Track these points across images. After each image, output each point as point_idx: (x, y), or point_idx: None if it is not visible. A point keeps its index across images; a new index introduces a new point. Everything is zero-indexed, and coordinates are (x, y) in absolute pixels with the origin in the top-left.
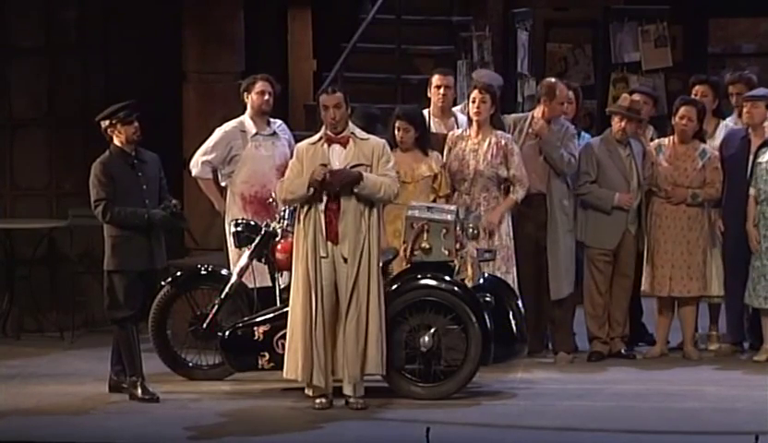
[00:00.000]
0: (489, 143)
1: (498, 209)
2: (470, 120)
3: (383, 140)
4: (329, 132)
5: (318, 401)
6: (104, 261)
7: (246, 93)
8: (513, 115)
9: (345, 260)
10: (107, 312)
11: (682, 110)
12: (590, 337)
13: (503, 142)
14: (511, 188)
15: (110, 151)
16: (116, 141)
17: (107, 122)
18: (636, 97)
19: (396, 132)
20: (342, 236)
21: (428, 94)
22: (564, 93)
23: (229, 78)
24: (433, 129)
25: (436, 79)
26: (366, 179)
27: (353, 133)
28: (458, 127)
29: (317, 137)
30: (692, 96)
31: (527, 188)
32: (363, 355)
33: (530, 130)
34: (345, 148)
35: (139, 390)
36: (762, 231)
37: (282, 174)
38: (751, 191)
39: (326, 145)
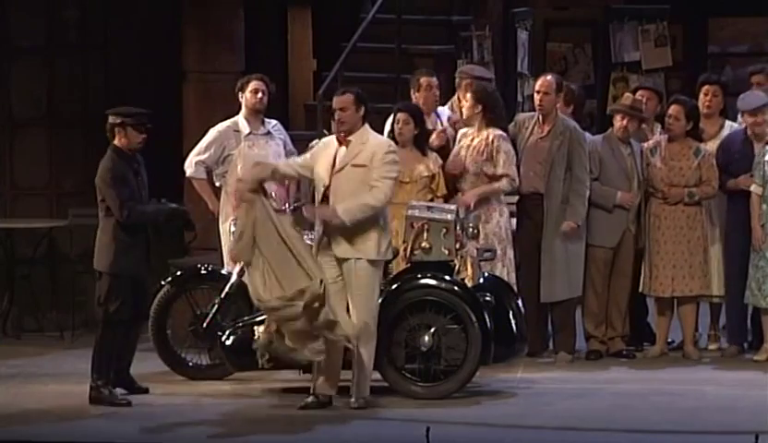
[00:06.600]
0: (480, 140)
1: (475, 190)
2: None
3: (389, 142)
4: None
5: (304, 401)
6: (98, 261)
7: (240, 92)
8: (522, 114)
9: (346, 260)
10: (100, 310)
11: (670, 109)
12: (587, 335)
13: (491, 139)
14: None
15: (113, 153)
16: (117, 142)
17: (118, 120)
18: (638, 95)
19: (396, 126)
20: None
21: (411, 94)
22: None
23: (229, 78)
24: None
25: (419, 79)
26: (343, 213)
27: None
28: (441, 126)
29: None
30: (701, 96)
31: (514, 186)
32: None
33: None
34: (347, 148)
35: (107, 392)
36: None
37: None
38: (753, 187)
39: (337, 144)
